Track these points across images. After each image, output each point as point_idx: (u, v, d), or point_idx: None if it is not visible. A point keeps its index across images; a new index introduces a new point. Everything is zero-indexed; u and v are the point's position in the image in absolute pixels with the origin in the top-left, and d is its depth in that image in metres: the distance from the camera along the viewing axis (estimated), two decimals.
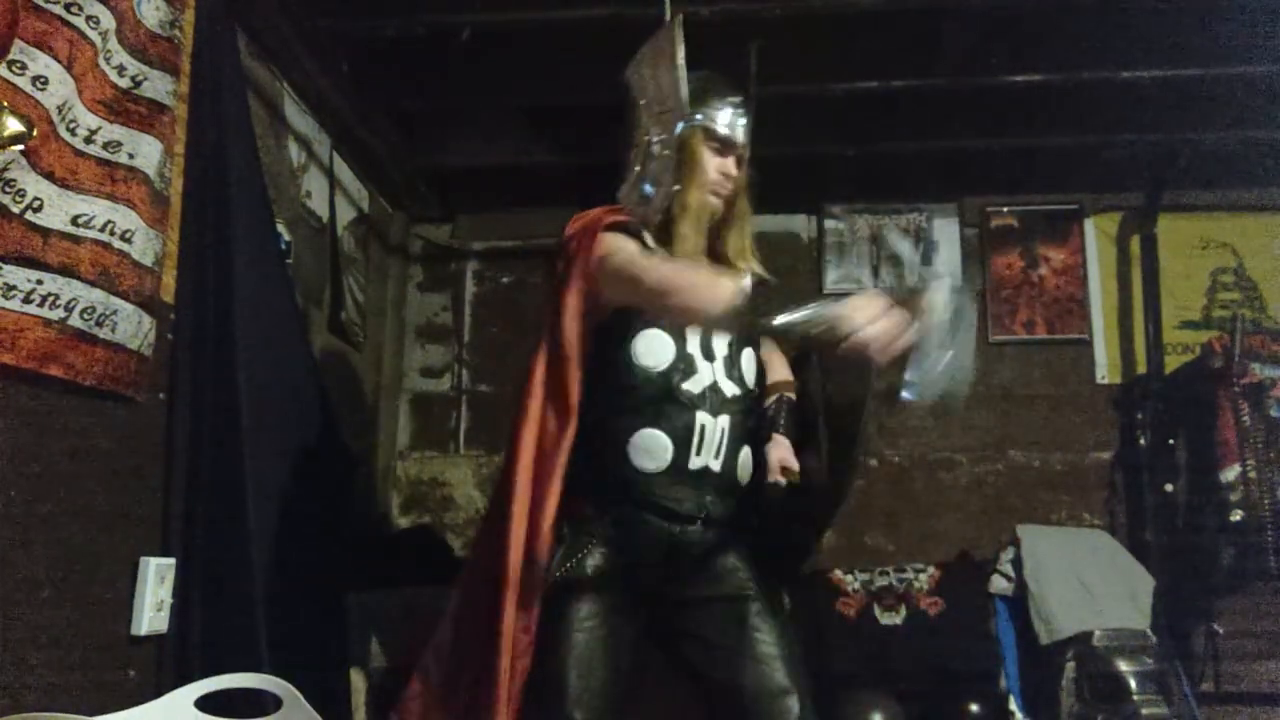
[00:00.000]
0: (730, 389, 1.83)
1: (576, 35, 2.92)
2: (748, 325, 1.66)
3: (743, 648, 1.75)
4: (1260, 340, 3.34)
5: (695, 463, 1.78)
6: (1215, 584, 3.28)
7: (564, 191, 3.92)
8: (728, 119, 1.87)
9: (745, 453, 1.87)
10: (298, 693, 1.52)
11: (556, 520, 1.75)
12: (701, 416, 1.78)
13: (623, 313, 1.80)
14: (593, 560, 1.77)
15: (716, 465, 1.80)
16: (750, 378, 1.89)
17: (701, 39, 2.47)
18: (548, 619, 1.72)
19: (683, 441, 1.77)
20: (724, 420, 1.80)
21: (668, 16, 2.45)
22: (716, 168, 1.87)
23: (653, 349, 1.80)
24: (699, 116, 1.85)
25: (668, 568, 1.82)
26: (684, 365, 1.80)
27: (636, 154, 1.89)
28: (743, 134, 1.89)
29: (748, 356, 1.89)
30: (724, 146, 1.88)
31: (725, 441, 1.81)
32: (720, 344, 1.84)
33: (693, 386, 1.79)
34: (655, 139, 1.85)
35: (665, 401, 1.78)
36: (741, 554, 1.87)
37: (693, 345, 1.81)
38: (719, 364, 1.83)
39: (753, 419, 1.92)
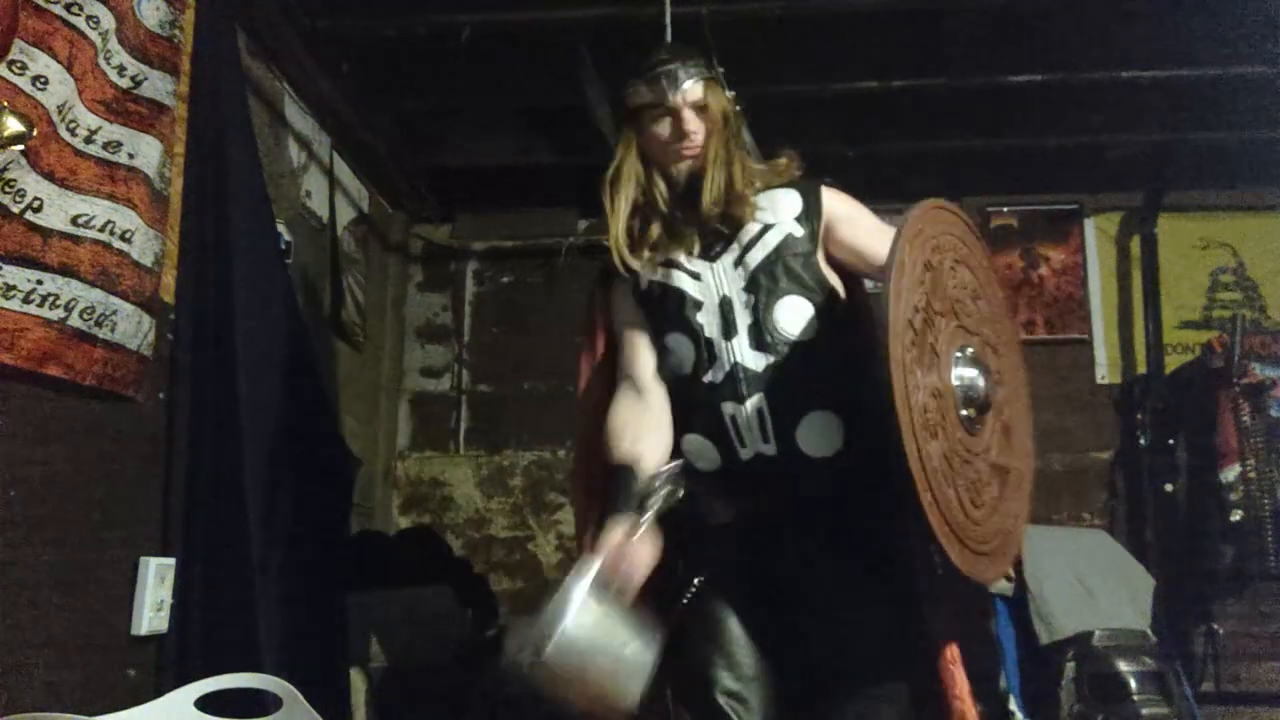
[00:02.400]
0: (759, 360, 1.66)
1: (576, 35, 2.92)
2: None
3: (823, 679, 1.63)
4: (1260, 340, 3.34)
5: (744, 454, 1.67)
6: (1215, 584, 3.28)
7: (564, 191, 3.94)
8: (647, 85, 1.74)
9: (814, 420, 1.64)
10: (298, 693, 1.52)
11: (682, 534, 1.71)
12: (728, 406, 1.66)
13: (655, 327, 1.78)
14: (718, 566, 1.72)
15: (770, 449, 1.65)
16: (796, 329, 1.68)
17: (702, 38, 2.47)
18: (689, 630, 1.69)
19: (721, 438, 1.68)
20: (756, 400, 1.64)
21: (668, 17, 2.45)
22: (664, 134, 1.74)
23: (679, 352, 1.73)
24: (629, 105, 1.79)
25: (764, 569, 1.70)
26: (706, 357, 1.69)
27: None
28: (671, 86, 1.71)
29: (786, 307, 1.68)
30: (661, 110, 1.73)
31: (771, 421, 1.64)
32: (742, 313, 1.69)
33: (715, 376, 1.68)
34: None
35: (696, 401, 1.70)
36: (846, 547, 1.65)
37: (711, 329, 1.69)
38: (741, 337, 1.68)
39: (818, 369, 1.67)
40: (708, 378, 1.69)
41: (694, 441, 1.71)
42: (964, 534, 1.50)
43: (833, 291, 1.74)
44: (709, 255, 1.74)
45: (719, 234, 1.74)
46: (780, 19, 2.73)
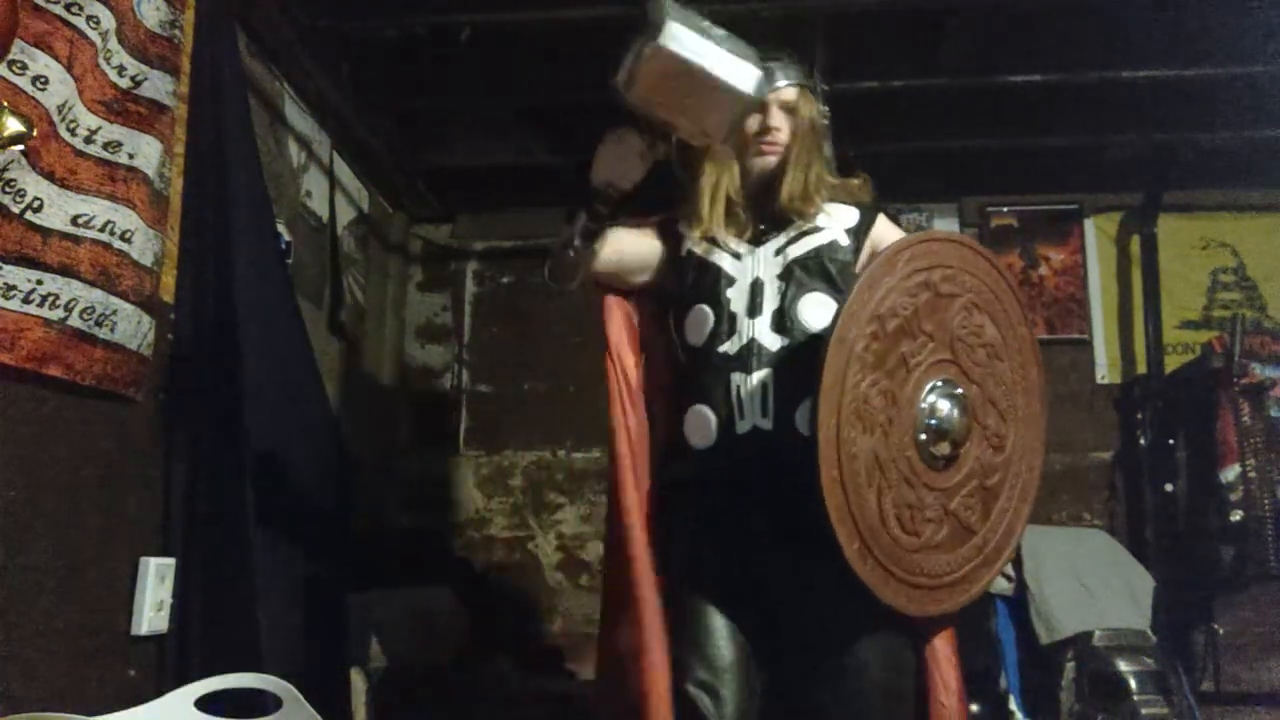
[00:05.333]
0: (775, 341, 1.72)
1: (576, 35, 2.92)
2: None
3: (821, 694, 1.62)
4: (1260, 340, 3.35)
5: (741, 427, 1.69)
6: (1215, 584, 3.28)
7: (564, 191, 3.93)
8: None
9: (809, 407, 1.62)
10: (298, 693, 1.52)
11: (660, 514, 1.76)
12: (736, 377, 1.71)
13: (670, 297, 1.85)
14: (697, 552, 1.73)
15: (767, 424, 1.68)
16: (816, 323, 1.72)
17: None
18: (674, 616, 1.70)
19: (724, 408, 1.72)
20: (764, 374, 1.69)
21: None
22: (751, 126, 1.82)
23: (697, 323, 1.80)
24: None
25: (745, 555, 1.69)
26: (725, 329, 1.76)
27: None
28: (762, 86, 1.71)
29: (813, 302, 1.74)
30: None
31: (773, 396, 1.68)
32: (771, 297, 1.75)
33: (730, 347, 1.74)
34: None
35: (705, 372, 1.76)
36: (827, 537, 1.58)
37: (737, 305, 1.76)
38: (764, 318, 1.74)
39: None
40: (723, 348, 1.75)
41: (696, 413, 1.75)
42: (875, 543, 1.51)
43: None
44: (756, 240, 1.82)
45: (772, 224, 1.83)
46: (780, 19, 2.73)
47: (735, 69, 1.44)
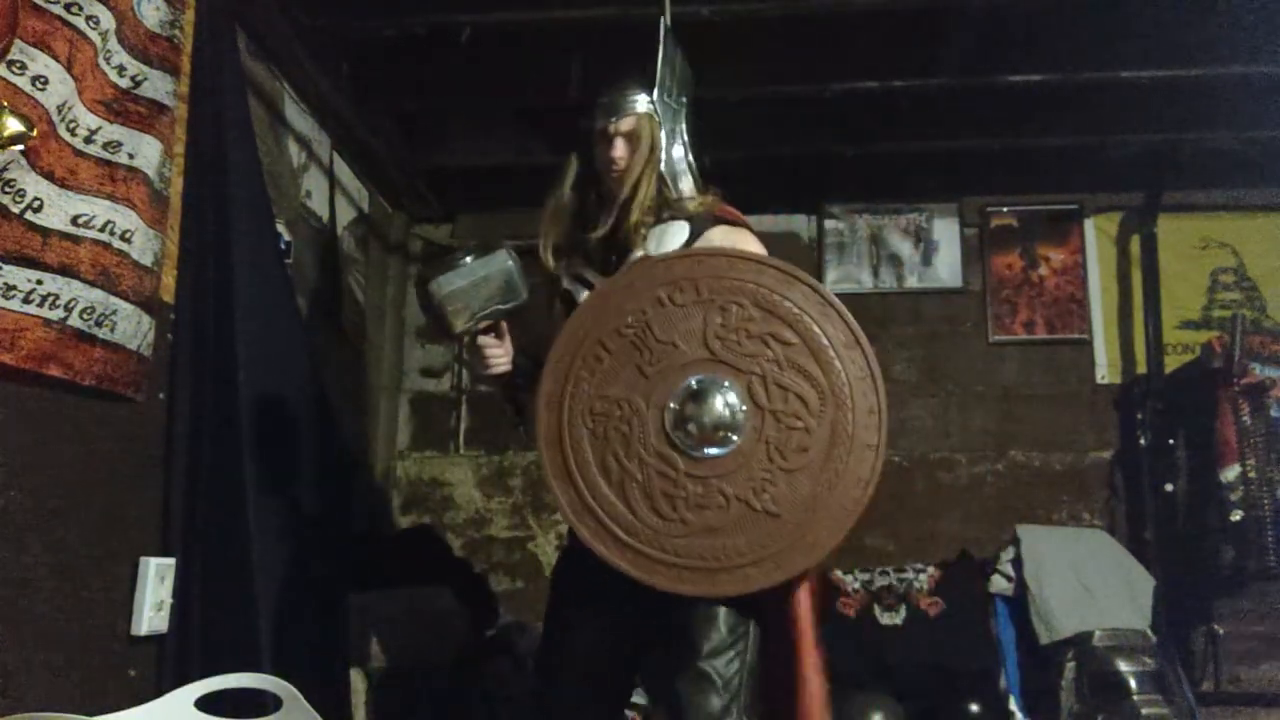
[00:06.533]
0: None
1: (576, 35, 2.92)
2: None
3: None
4: (1260, 340, 3.34)
5: None
6: (1215, 584, 3.28)
7: None
8: (597, 113, 1.92)
9: None
10: (298, 693, 1.52)
11: None
12: None
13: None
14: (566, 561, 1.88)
15: None
16: None
17: (702, 39, 2.48)
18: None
19: None
20: None
21: (668, 16, 2.45)
22: (601, 155, 1.91)
23: None
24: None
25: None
26: None
27: None
28: (605, 117, 1.89)
29: None
30: (601, 134, 1.90)
31: None
32: None
33: None
34: None
35: None
36: None
37: None
38: None
39: None
40: None
41: None
42: (628, 531, 1.62)
43: None
44: (605, 270, 1.88)
45: (618, 254, 1.88)
46: (780, 19, 2.73)
47: (486, 262, 1.83)
